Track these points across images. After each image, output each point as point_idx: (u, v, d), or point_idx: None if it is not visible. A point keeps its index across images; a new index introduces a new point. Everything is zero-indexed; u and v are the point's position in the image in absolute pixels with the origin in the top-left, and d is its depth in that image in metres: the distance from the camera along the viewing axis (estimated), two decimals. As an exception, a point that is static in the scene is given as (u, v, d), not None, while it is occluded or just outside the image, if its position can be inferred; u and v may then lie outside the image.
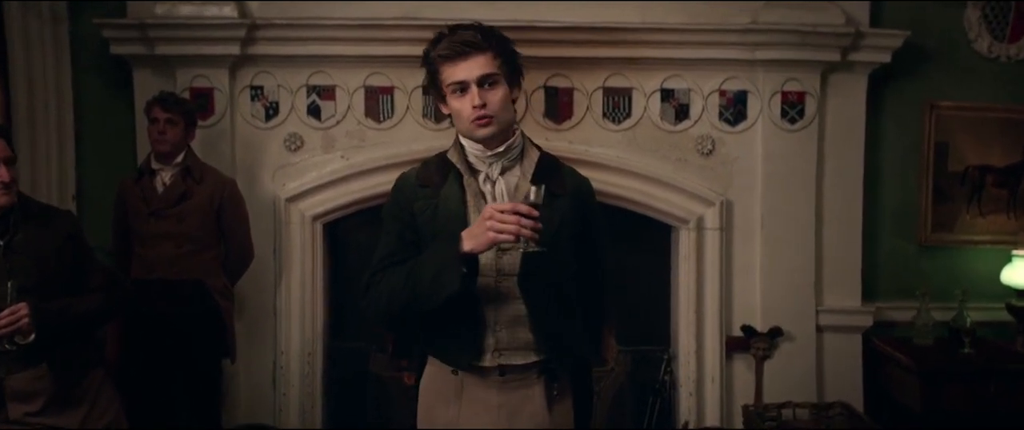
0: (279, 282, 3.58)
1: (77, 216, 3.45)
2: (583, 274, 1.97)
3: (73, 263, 2.33)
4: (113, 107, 3.58)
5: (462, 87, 1.85)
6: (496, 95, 1.84)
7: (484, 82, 1.83)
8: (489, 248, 1.76)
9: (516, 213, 1.70)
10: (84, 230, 2.41)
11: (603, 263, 2.03)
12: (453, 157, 1.93)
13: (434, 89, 1.91)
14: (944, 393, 3.38)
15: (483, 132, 1.85)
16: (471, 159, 1.92)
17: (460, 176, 1.90)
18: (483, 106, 1.83)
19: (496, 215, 1.72)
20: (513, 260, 1.86)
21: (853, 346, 3.69)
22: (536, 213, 1.72)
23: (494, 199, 1.89)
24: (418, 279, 1.80)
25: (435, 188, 1.92)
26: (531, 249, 1.73)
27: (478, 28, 1.86)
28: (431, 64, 1.87)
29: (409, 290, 1.81)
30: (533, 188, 1.74)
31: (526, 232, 1.71)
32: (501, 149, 1.89)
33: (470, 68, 1.83)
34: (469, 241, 1.75)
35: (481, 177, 1.92)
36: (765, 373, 3.61)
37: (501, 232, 1.71)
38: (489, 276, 1.87)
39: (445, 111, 1.92)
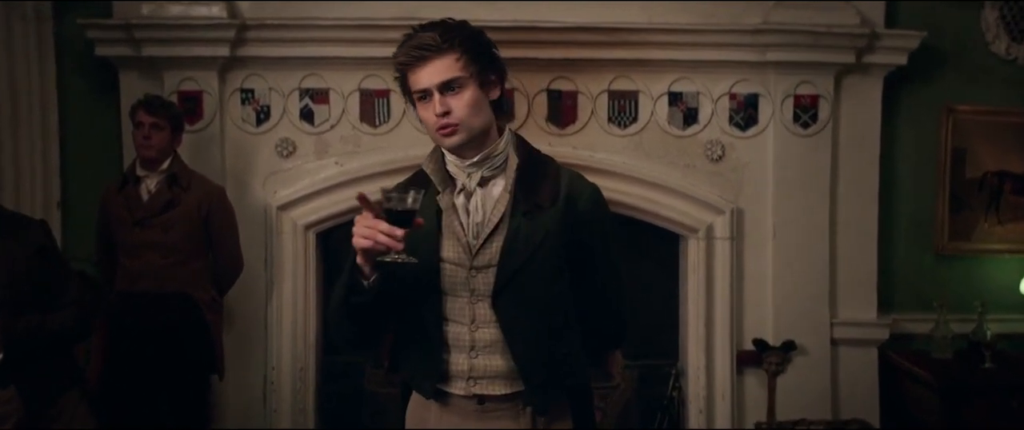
0: (270, 294, 3.51)
1: (60, 224, 3.47)
2: (582, 291, 1.80)
3: (45, 276, 2.21)
4: (99, 111, 3.53)
5: (426, 95, 1.71)
6: (461, 100, 1.68)
7: (447, 88, 1.68)
8: (366, 260, 1.61)
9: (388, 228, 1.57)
10: (57, 240, 2.29)
11: (605, 276, 1.84)
12: (427, 167, 1.78)
13: (407, 96, 1.77)
14: (964, 409, 3.31)
15: (449, 142, 1.70)
16: (450, 168, 1.78)
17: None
18: (446, 113, 1.68)
19: (357, 222, 1.58)
20: (487, 277, 1.71)
21: (869, 360, 3.64)
22: (389, 227, 1.56)
23: (467, 214, 1.74)
24: (335, 292, 1.72)
25: None
26: (399, 260, 1.58)
27: (441, 26, 1.70)
28: (399, 71, 1.73)
29: (333, 302, 1.72)
30: (395, 194, 1.59)
31: (383, 239, 1.55)
32: (477, 158, 1.74)
33: (430, 74, 1.68)
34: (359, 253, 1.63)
35: (457, 189, 1.76)
36: (778, 389, 3.55)
37: (364, 238, 1.57)
38: (462, 295, 1.73)
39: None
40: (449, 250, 1.73)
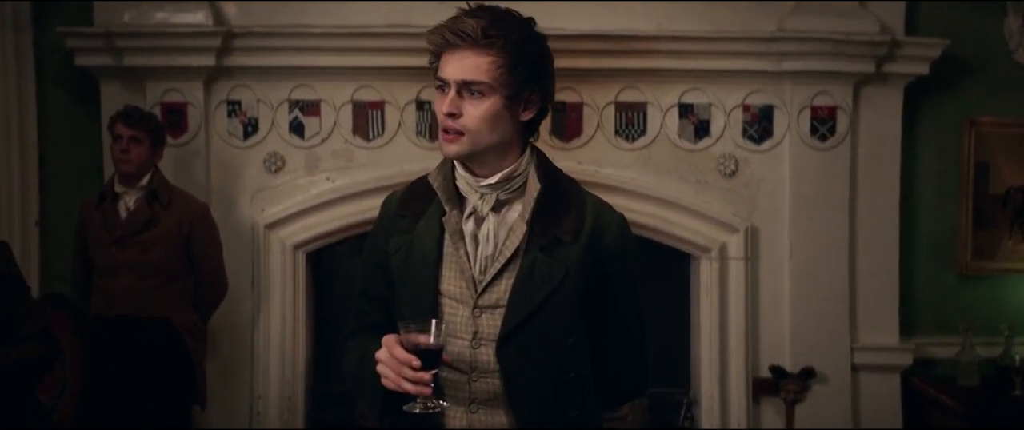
0: (256, 318, 3.43)
1: (38, 243, 3.39)
2: (601, 340, 1.60)
3: (5, 304, 2.05)
4: (80, 123, 3.47)
5: (445, 86, 1.51)
6: (479, 108, 1.47)
7: (466, 88, 1.47)
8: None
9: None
10: (35, 258, 2.14)
11: (628, 323, 1.63)
12: (434, 181, 1.56)
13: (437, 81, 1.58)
14: (993, 439, 3.21)
15: (448, 149, 1.50)
16: (461, 185, 1.57)
17: (443, 207, 1.56)
18: (455, 115, 1.48)
19: (380, 358, 1.43)
20: (493, 319, 1.51)
21: (891, 387, 3.53)
22: (420, 368, 1.40)
23: (476, 244, 1.53)
24: (359, 384, 1.56)
25: (414, 218, 1.58)
26: (430, 410, 1.44)
27: (492, 16, 1.48)
28: (434, 49, 1.53)
29: (358, 389, 1.57)
30: (433, 322, 1.42)
31: (408, 387, 1.40)
32: (494, 180, 1.52)
33: (455, 66, 1.48)
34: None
35: (466, 211, 1.56)
36: (796, 418, 3.45)
37: (390, 382, 1.42)
38: (464, 338, 1.52)
39: None
40: (450, 283, 1.53)
